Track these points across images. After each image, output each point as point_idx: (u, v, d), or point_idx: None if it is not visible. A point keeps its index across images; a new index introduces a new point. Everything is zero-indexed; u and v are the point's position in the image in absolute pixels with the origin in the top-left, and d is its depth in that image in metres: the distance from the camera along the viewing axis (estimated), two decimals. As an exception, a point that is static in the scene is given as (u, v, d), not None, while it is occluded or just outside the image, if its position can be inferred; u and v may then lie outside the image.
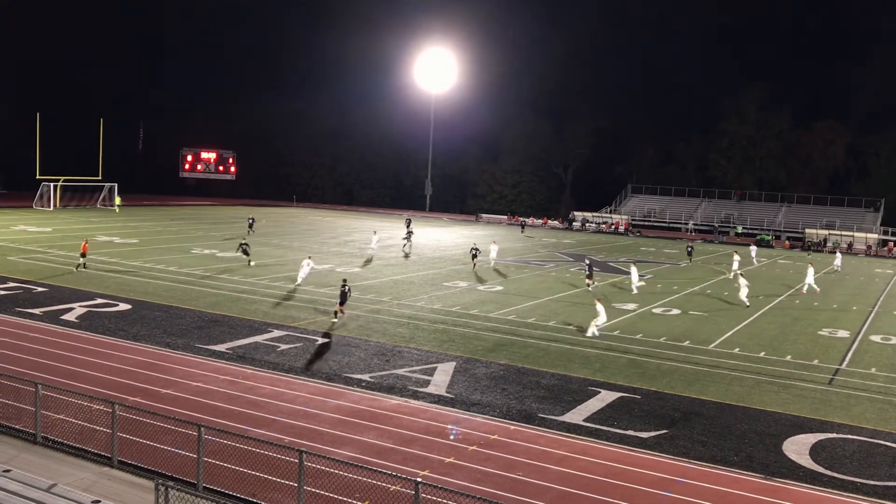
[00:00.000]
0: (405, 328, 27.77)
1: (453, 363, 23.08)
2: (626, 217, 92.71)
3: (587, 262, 41.07)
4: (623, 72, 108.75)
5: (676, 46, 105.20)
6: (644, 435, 17.63)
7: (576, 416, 18.78)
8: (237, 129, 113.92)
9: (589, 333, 27.72)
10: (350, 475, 13.94)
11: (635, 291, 38.15)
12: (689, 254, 56.26)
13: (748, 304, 35.66)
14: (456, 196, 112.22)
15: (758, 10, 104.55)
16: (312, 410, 18.26)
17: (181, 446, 15.07)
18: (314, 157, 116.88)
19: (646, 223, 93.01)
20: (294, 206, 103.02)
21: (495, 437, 17.11)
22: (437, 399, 19.59)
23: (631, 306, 34.35)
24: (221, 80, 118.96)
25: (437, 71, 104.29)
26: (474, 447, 16.40)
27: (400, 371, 21.99)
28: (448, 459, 15.64)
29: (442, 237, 67.32)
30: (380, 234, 56.98)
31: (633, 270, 39.82)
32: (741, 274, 40.85)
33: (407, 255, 49.74)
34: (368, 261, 44.06)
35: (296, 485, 12.59)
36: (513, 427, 17.82)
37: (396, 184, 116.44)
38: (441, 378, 21.43)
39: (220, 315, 28.41)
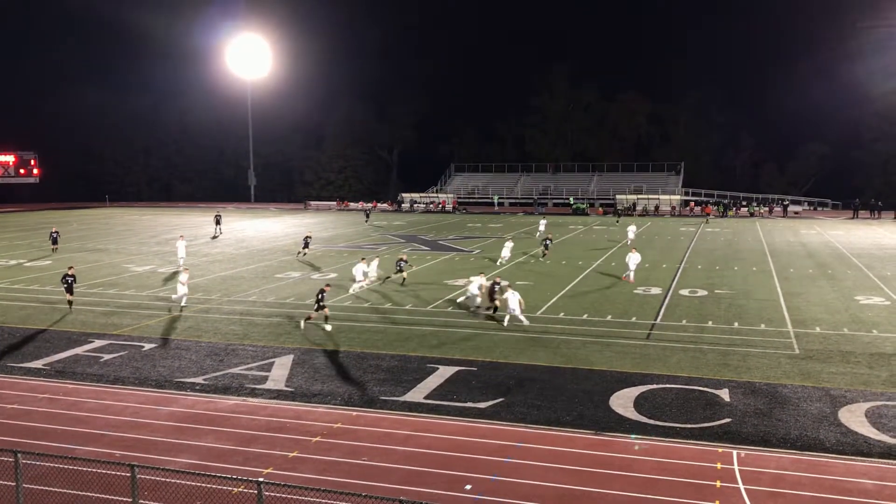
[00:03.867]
0: (238, 325, 27.00)
1: (291, 356, 22.74)
2: (451, 195, 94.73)
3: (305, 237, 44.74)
4: (442, 55, 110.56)
5: (488, 28, 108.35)
6: (482, 405, 18.22)
7: (416, 394, 19.10)
8: (41, 128, 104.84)
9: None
10: (190, 483, 13.45)
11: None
12: (546, 246, 44.65)
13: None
14: (282, 185, 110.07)
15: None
16: (144, 420, 17.41)
17: (-2, 476, 13.91)
18: (127, 152, 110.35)
19: (471, 200, 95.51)
20: (108, 206, 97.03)
21: (339, 425, 17.07)
22: (277, 394, 19.25)
23: (462, 282, 35.20)
24: (15, 75, 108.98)
25: (251, 58, 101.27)
26: (318, 438, 16.29)
27: (235, 370, 21.39)
28: (292, 454, 15.44)
29: (270, 228, 65.86)
30: (201, 234, 54.80)
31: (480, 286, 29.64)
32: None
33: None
34: (174, 274, 37.33)
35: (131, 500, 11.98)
36: (355, 413, 17.85)
37: (217, 175, 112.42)
38: (279, 372, 21.06)
39: (33, 329, 26.36)
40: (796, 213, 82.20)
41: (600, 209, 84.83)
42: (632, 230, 51.16)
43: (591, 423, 17.02)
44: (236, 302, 31.23)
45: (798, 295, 32.05)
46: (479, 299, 28.92)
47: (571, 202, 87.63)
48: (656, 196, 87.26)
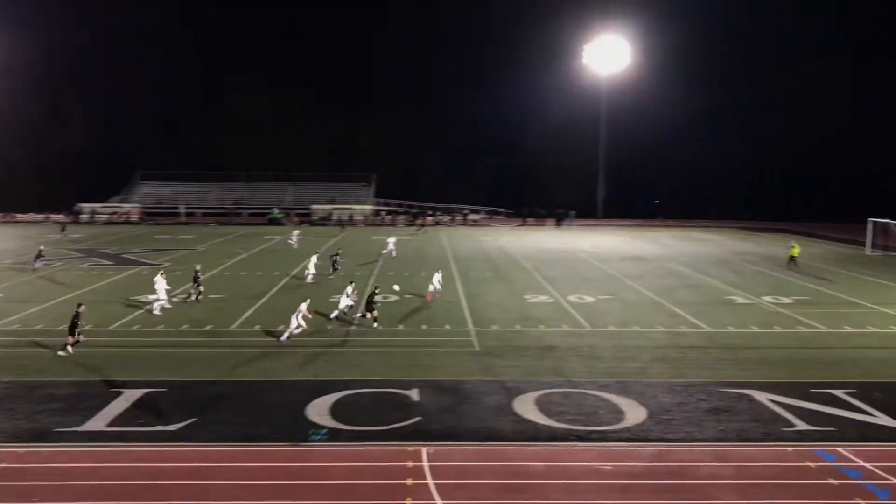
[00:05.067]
0: None
1: (-58, 391, 19.83)
2: (137, 205, 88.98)
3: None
4: (127, 54, 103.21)
5: (180, 28, 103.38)
6: (173, 427, 17.38)
7: (98, 422, 17.68)
8: None
9: None
10: None
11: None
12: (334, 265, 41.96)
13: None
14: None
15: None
16: None
17: None
18: None
19: (159, 210, 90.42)
20: None
21: (4, 465, 15.25)
22: (-76, 437, 16.69)
23: (150, 297, 33.21)
24: None
25: None
26: (-22, 482, 14.43)
27: None
28: (-55, 504, 13.51)
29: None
30: None
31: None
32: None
33: None
34: None
35: None
36: (24, 450, 16.05)
37: None
38: (-73, 411, 18.27)
39: None
40: (475, 221, 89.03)
41: (296, 219, 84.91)
42: (391, 241, 51.76)
43: (287, 436, 17.01)
44: None
45: (477, 296, 34.83)
46: (350, 306, 29.58)
47: (276, 213, 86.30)
48: (350, 206, 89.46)
